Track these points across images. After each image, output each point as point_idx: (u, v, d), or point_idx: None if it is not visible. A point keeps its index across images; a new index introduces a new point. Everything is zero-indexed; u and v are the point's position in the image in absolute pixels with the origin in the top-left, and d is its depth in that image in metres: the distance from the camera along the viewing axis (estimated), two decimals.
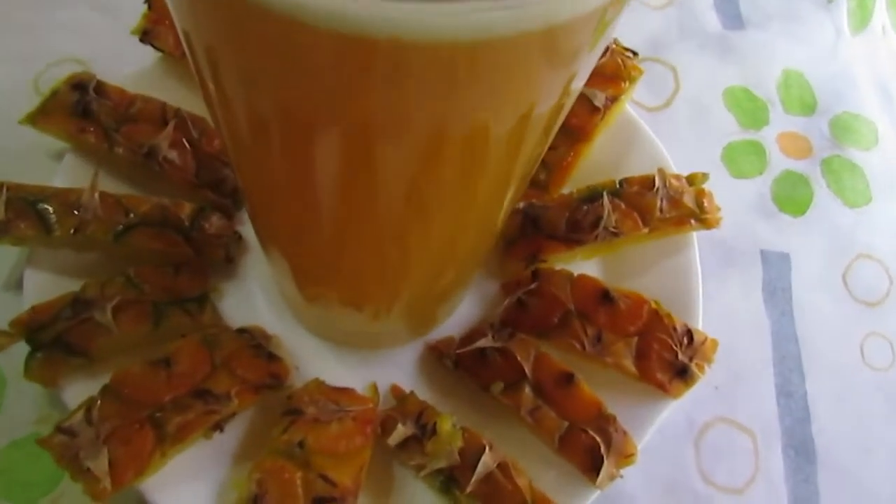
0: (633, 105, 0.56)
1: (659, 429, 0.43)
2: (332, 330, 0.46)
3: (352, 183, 0.29)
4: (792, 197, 0.57)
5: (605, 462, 0.40)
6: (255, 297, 0.47)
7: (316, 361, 0.45)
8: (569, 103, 0.29)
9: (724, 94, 0.61)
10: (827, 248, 0.55)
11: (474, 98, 0.23)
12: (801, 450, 0.48)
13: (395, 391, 0.45)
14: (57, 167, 0.47)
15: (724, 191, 0.50)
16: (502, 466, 0.40)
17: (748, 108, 0.60)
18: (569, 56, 0.24)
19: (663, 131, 0.53)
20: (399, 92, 0.22)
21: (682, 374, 0.44)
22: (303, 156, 0.28)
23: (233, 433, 0.42)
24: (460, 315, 0.48)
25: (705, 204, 0.48)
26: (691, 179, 0.49)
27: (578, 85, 0.28)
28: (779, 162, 0.59)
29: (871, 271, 0.55)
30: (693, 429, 0.48)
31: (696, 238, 0.49)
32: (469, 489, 0.39)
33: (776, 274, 0.54)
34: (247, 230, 0.48)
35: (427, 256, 0.38)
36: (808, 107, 0.61)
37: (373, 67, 0.21)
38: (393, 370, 0.45)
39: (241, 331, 0.44)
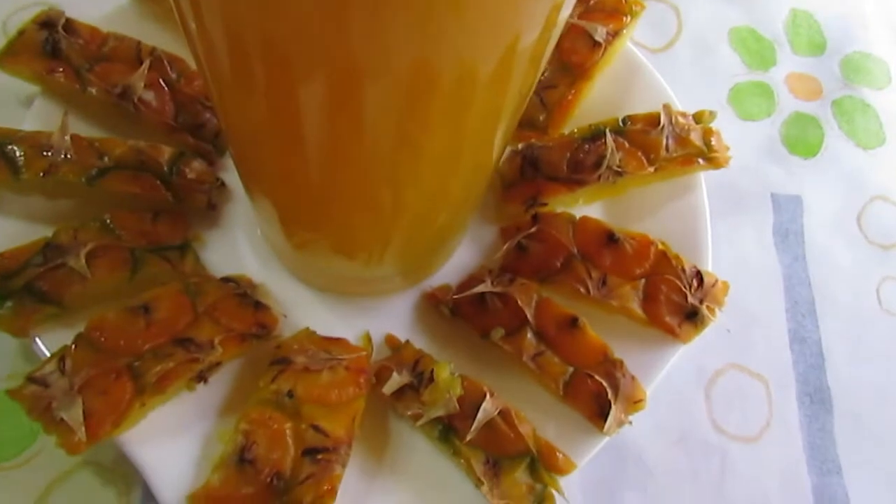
0: (635, 46, 0.54)
1: (667, 376, 0.41)
2: (323, 276, 0.44)
3: (337, 120, 0.28)
4: (802, 139, 0.55)
5: (613, 407, 0.38)
6: (239, 246, 0.44)
7: (305, 310, 0.42)
8: (555, 35, 0.28)
9: (730, 35, 0.58)
10: (840, 190, 0.53)
11: (455, 27, 0.22)
12: (816, 397, 0.46)
13: (391, 341, 0.42)
14: (26, 113, 0.44)
15: (731, 133, 0.48)
16: (504, 413, 0.38)
17: (755, 48, 0.58)
18: None
19: (666, 73, 0.50)
20: (379, 20, 0.21)
21: (692, 318, 0.41)
22: (287, 93, 0.27)
23: (217, 385, 0.39)
24: (457, 262, 0.46)
25: (713, 142, 0.46)
26: (698, 117, 0.46)
27: (564, 15, 0.26)
28: (788, 103, 0.56)
29: (886, 213, 0.53)
30: (703, 376, 0.46)
31: (704, 182, 0.46)
32: (469, 437, 0.37)
33: (788, 217, 0.52)
34: (230, 177, 0.46)
35: (418, 197, 0.36)
36: (818, 47, 0.59)
37: None
38: (387, 319, 0.43)
39: (226, 279, 0.41)
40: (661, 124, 0.45)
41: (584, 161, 0.45)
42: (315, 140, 0.30)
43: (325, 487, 0.35)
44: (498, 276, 0.43)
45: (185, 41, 0.29)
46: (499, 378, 0.40)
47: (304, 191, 0.36)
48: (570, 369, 0.40)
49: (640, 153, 0.45)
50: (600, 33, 0.47)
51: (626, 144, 0.45)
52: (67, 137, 0.40)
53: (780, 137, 0.55)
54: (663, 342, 0.42)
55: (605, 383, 0.39)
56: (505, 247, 0.44)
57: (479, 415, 0.37)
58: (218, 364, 0.39)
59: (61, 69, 0.43)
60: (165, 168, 0.42)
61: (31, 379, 0.35)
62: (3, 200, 0.41)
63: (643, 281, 0.42)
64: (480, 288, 0.42)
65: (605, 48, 0.47)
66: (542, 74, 0.47)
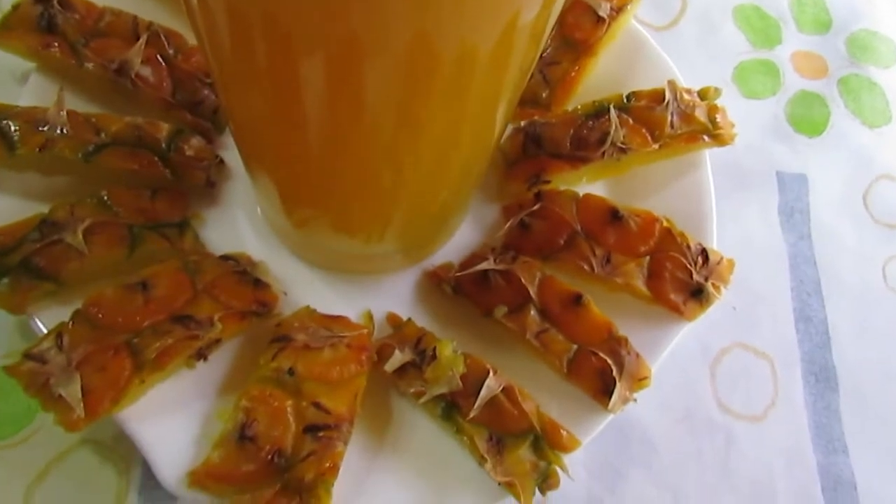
0: (639, 24, 0.53)
1: (672, 354, 0.41)
2: (323, 254, 0.43)
3: (338, 97, 0.27)
4: (808, 117, 0.54)
5: (618, 385, 0.38)
6: (239, 224, 0.44)
7: (306, 288, 0.42)
8: (556, 11, 0.28)
9: (734, 13, 0.57)
10: (846, 169, 0.53)
11: (454, 2, 0.22)
12: (821, 376, 0.46)
13: (392, 319, 0.42)
14: (22, 90, 0.43)
15: (736, 112, 0.47)
16: (507, 391, 0.37)
17: (759, 26, 0.57)
18: None
19: (671, 51, 0.49)
20: None
21: (698, 295, 0.41)
22: (288, 69, 0.26)
23: (217, 363, 0.39)
24: (459, 240, 0.45)
25: (718, 119, 0.45)
26: (703, 94, 0.46)
27: None
28: (793, 82, 0.55)
29: (892, 192, 0.52)
30: (708, 354, 0.45)
31: (709, 160, 0.45)
32: (472, 415, 0.37)
33: (793, 196, 0.51)
34: (229, 155, 0.45)
35: (419, 173, 0.35)
36: (824, 25, 0.58)
37: None
38: (388, 298, 0.43)
39: (225, 257, 0.41)
40: (666, 100, 0.44)
41: (588, 138, 0.44)
42: (316, 117, 0.30)
43: (327, 465, 0.34)
44: (501, 254, 0.42)
45: (183, 16, 0.29)
46: (502, 356, 0.40)
47: (305, 168, 0.36)
48: (574, 347, 0.39)
49: (644, 130, 0.44)
50: (604, 9, 0.47)
51: (631, 121, 0.44)
52: (63, 113, 0.39)
53: (785, 116, 0.54)
54: (668, 320, 0.41)
55: (609, 360, 0.38)
56: (508, 224, 0.44)
57: (483, 392, 0.37)
58: (218, 341, 0.38)
59: (57, 44, 0.42)
60: (163, 145, 0.42)
61: (28, 355, 0.34)
62: None
63: (648, 258, 0.42)
64: (483, 265, 0.41)
65: (609, 24, 0.47)
66: (545, 51, 0.47)
